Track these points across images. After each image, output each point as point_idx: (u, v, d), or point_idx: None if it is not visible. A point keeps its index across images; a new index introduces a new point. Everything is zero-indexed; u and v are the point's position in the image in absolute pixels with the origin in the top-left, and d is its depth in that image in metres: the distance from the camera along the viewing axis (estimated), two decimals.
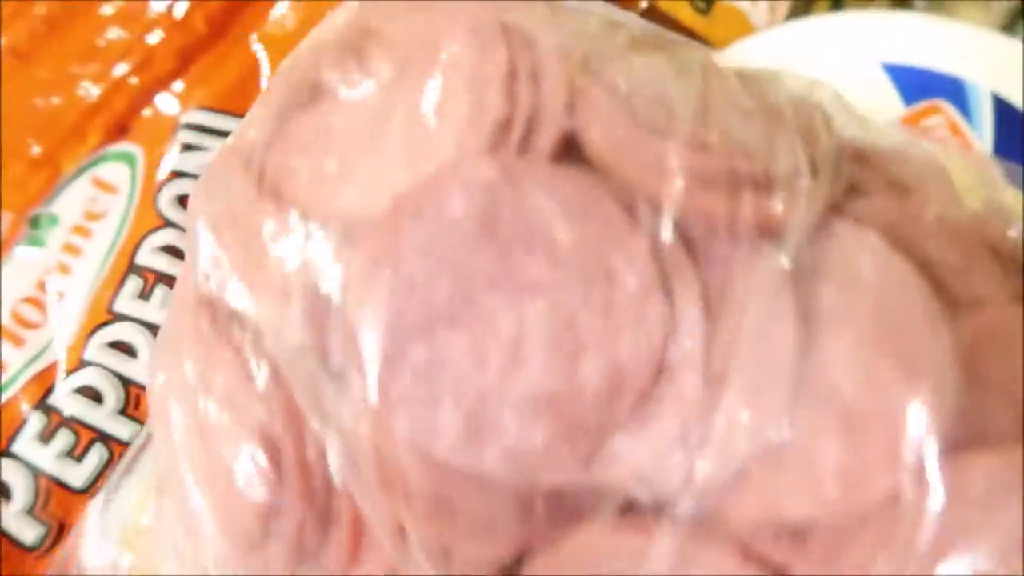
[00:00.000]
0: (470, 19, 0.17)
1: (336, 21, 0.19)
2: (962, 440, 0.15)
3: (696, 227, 0.15)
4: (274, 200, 0.17)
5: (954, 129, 0.25)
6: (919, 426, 0.15)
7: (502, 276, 0.15)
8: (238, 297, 0.17)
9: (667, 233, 0.15)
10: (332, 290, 0.15)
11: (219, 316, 0.17)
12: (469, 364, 0.15)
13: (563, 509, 0.15)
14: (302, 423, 0.16)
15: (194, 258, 0.17)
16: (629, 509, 0.15)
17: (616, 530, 0.15)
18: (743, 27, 0.30)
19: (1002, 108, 0.25)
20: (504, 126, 0.16)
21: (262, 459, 0.16)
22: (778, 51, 0.28)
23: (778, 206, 0.16)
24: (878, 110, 0.25)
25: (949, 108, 0.26)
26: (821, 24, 0.28)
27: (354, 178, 0.16)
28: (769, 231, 0.16)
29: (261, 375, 0.16)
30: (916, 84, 0.26)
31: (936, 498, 0.15)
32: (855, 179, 0.17)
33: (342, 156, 0.17)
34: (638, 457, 0.15)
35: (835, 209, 0.16)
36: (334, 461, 0.15)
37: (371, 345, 0.15)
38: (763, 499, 0.15)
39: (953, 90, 0.26)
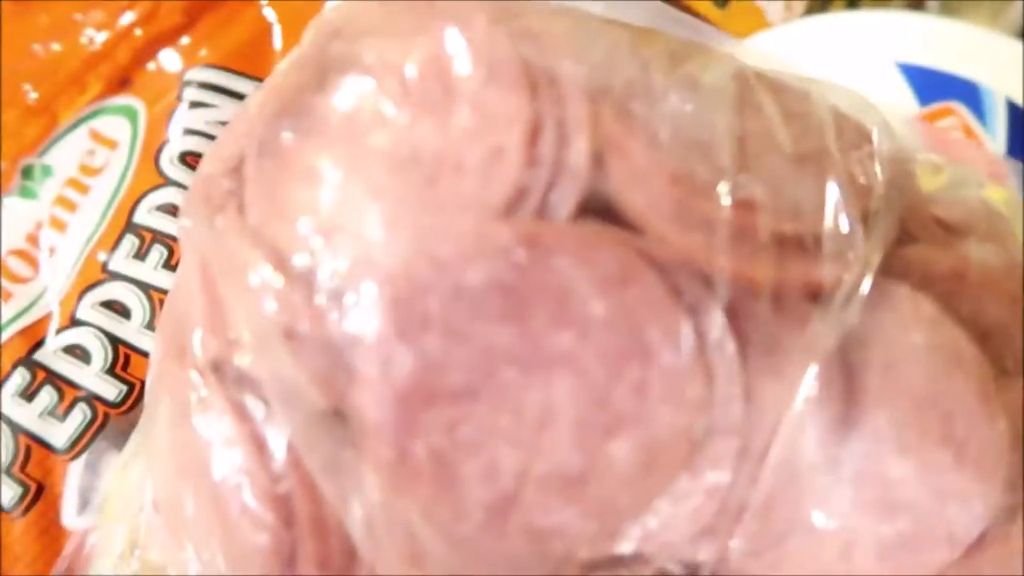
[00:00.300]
0: (484, 46, 0.15)
1: (319, 31, 0.17)
2: (1010, 513, 0.15)
3: (738, 292, 0.15)
4: (263, 244, 0.15)
5: (968, 131, 0.26)
6: (966, 514, 0.15)
7: (527, 350, 0.14)
8: (244, 358, 0.15)
9: (713, 307, 0.14)
10: (345, 357, 0.14)
11: (225, 378, 0.15)
12: (492, 442, 0.14)
13: None
14: (317, 491, 0.15)
15: (189, 308, 0.16)
16: None
17: None
18: (759, 23, 0.30)
19: (1015, 112, 0.26)
20: (525, 187, 0.14)
21: (278, 526, 0.15)
22: (793, 47, 0.28)
23: (827, 271, 0.15)
24: (894, 109, 0.25)
25: (963, 110, 0.26)
26: (837, 22, 0.28)
27: (354, 227, 0.15)
28: (817, 296, 0.15)
29: (276, 444, 0.15)
30: (931, 85, 0.26)
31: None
32: (905, 218, 0.16)
33: (338, 200, 0.15)
34: (671, 530, 0.14)
35: (888, 265, 0.16)
36: (355, 530, 0.14)
37: (385, 417, 0.14)
38: (799, 571, 0.15)
39: (967, 93, 0.26)
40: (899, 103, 0.26)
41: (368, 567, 0.15)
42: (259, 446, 0.15)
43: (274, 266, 0.15)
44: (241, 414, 0.15)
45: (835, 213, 0.15)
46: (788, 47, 0.27)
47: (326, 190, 0.15)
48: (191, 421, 0.15)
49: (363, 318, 0.14)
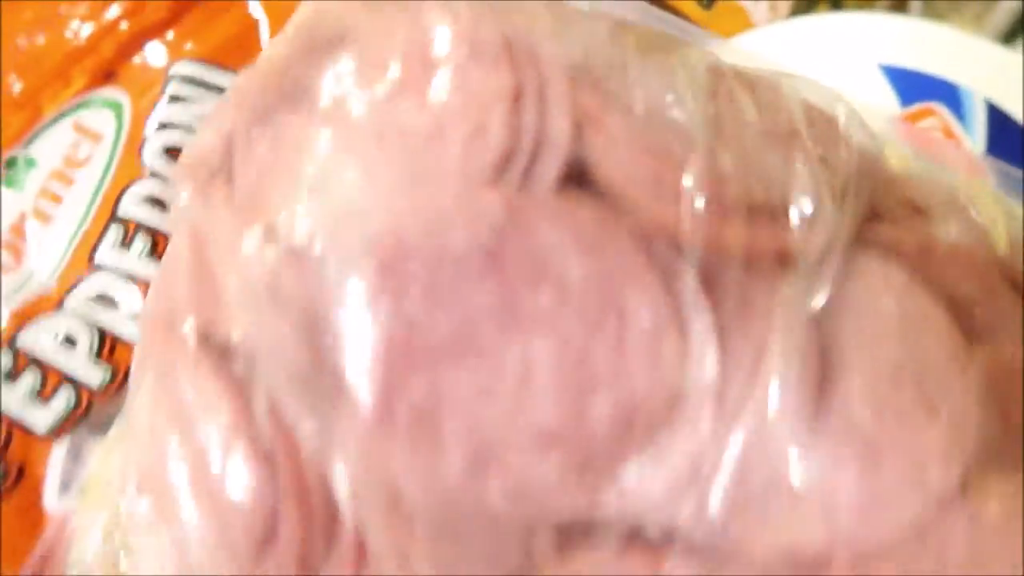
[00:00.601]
0: (467, 25, 0.16)
1: (304, 17, 0.18)
2: (981, 470, 0.15)
3: (712, 258, 0.15)
4: (253, 213, 0.16)
5: (947, 132, 0.26)
6: (941, 469, 0.15)
7: (508, 312, 0.14)
8: (229, 322, 0.16)
9: (686, 270, 0.15)
10: (330, 318, 0.15)
11: (211, 342, 0.16)
12: (473, 401, 0.14)
13: (570, 537, 0.15)
14: (299, 449, 0.15)
15: (177, 282, 0.16)
16: (636, 536, 0.15)
17: (623, 557, 0.15)
18: (744, 23, 0.30)
19: (995, 114, 0.26)
20: (507, 156, 0.15)
21: (260, 484, 0.15)
22: (777, 47, 0.28)
23: (797, 236, 0.16)
24: (876, 109, 0.26)
25: (944, 111, 0.26)
26: (821, 23, 0.28)
27: (341, 195, 0.15)
28: (789, 262, 0.15)
29: (259, 403, 0.15)
30: (912, 87, 0.26)
31: (958, 528, 0.15)
32: (875, 202, 0.17)
33: (326, 170, 0.16)
34: (649, 490, 0.15)
35: (858, 238, 0.16)
36: (339, 485, 0.15)
37: (368, 377, 0.14)
38: (778, 531, 0.15)
39: (948, 94, 0.26)
40: (881, 103, 0.26)
41: (351, 525, 0.15)
42: (242, 405, 0.15)
43: (262, 232, 0.15)
44: (225, 374, 0.15)
45: (805, 188, 0.16)
46: (772, 48, 0.27)
47: (314, 159, 0.16)
48: (176, 384, 0.16)
49: (348, 279, 0.15)
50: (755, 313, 0.15)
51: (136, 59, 0.26)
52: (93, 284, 0.24)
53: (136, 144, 0.25)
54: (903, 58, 0.27)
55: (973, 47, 0.27)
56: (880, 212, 0.17)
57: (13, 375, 0.23)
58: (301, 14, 0.18)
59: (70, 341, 0.23)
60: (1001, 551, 0.15)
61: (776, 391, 0.15)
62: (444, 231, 0.15)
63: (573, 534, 0.15)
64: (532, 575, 0.15)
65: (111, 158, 0.25)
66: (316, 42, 0.17)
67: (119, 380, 0.23)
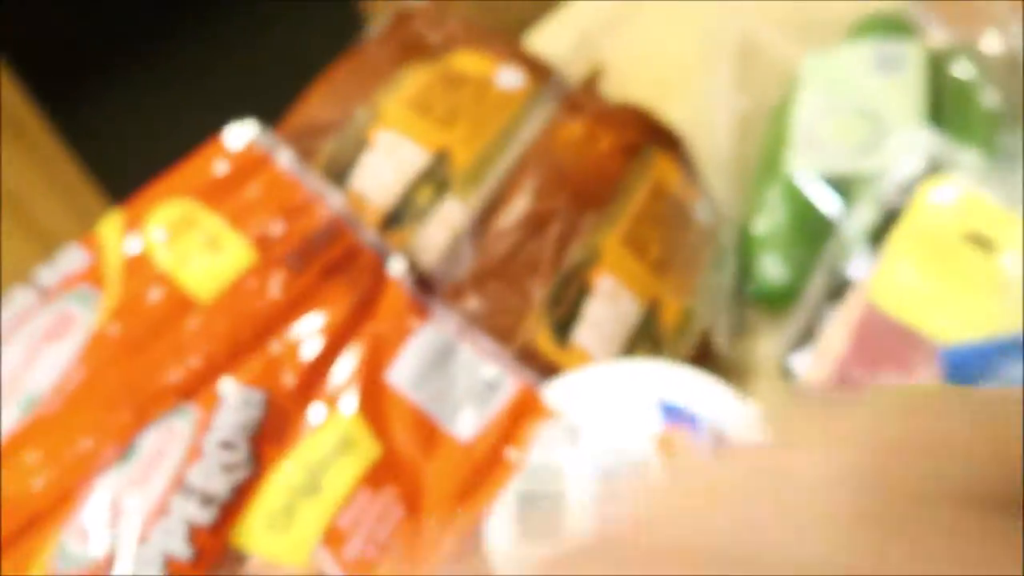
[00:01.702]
0: None
1: None
2: None
3: None
4: None
5: (688, 444, 0.43)
6: None
7: None
8: None
9: None
10: None
11: None
12: None
13: None
14: None
15: None
16: None
17: None
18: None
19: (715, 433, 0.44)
20: None
21: None
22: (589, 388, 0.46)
23: None
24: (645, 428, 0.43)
25: (687, 430, 0.44)
26: (627, 369, 0.46)
27: None
28: None
29: None
30: (672, 414, 0.44)
31: None
32: None
33: None
34: None
35: None
36: None
37: None
38: None
39: (690, 420, 0.44)
40: (650, 424, 0.44)
41: None
42: None
43: None
44: None
45: None
46: (587, 387, 0.45)
47: None
48: None
49: None
50: None
51: None
52: None
53: None
54: (665, 393, 0.45)
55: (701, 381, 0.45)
56: None
57: None
58: None
59: None
60: None
61: None
62: None
63: None
64: None
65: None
66: None
67: None
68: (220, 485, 0.41)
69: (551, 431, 0.44)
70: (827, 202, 0.54)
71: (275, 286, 0.45)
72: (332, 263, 0.46)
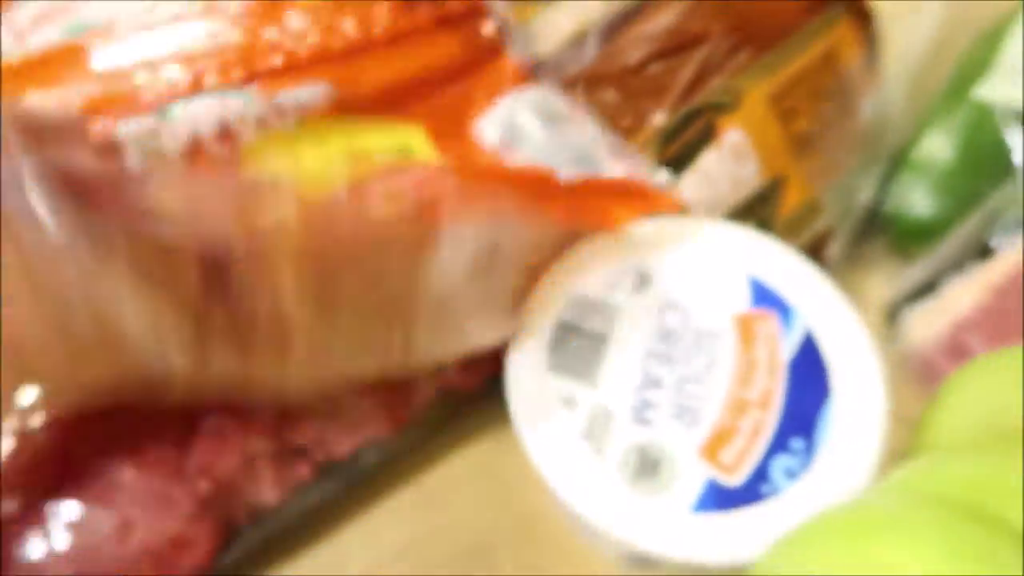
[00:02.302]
0: None
1: None
2: None
3: None
4: None
5: (772, 337, 0.36)
6: None
7: None
8: None
9: None
10: None
11: None
12: None
13: None
14: None
15: None
16: None
17: None
18: None
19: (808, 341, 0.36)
20: None
21: None
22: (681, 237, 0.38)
23: None
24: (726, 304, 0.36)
25: (775, 317, 0.37)
26: (721, 229, 0.39)
27: None
28: None
29: None
30: (761, 296, 0.37)
31: None
32: None
33: None
34: None
35: None
36: None
37: None
38: None
39: (782, 308, 0.37)
40: (736, 302, 0.37)
41: None
42: None
43: None
44: None
45: None
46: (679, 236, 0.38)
47: None
48: None
49: None
50: None
51: None
52: None
53: None
54: (762, 273, 0.37)
55: (809, 276, 0.37)
56: None
57: None
58: None
59: None
60: None
61: None
62: None
63: None
64: None
65: None
66: None
67: None
68: None
69: (618, 269, 0.37)
70: (1015, 143, 0.45)
71: (382, 10, 0.38)
72: (449, 15, 0.39)
